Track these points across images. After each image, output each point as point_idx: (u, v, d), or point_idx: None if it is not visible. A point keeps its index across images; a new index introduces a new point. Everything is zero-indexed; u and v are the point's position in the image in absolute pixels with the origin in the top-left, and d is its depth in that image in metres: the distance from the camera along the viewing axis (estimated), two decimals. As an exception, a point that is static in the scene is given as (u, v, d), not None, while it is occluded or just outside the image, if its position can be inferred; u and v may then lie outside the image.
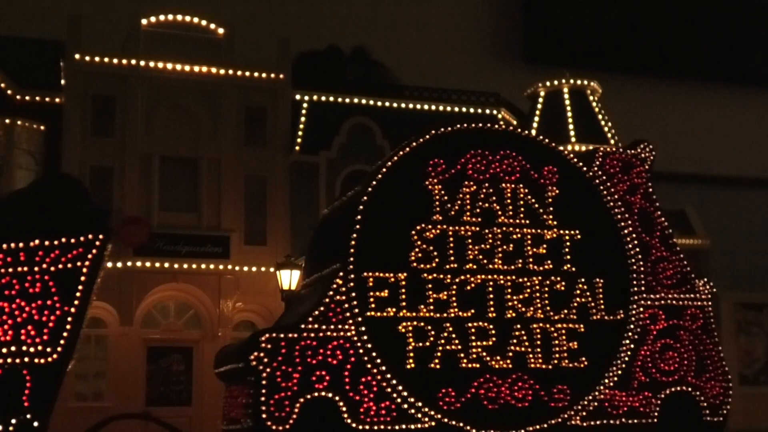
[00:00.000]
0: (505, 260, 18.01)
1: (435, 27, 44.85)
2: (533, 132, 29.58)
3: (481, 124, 19.16)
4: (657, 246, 19.07)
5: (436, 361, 17.11)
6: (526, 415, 17.32)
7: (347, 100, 28.76)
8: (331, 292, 16.80)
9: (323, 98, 28.54)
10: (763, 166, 44.91)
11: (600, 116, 29.87)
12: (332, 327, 16.57)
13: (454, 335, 17.30)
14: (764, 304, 38.66)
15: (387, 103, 29.04)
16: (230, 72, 26.89)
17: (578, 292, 18.29)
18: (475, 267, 17.80)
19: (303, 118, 27.97)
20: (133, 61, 26.10)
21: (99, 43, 26.71)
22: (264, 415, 15.88)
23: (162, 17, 26.73)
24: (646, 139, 19.68)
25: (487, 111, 29.86)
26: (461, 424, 16.88)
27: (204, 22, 27.08)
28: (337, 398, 16.32)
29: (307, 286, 19.72)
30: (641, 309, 18.50)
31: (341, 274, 16.91)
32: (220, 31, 27.22)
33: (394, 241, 17.41)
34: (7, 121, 25.22)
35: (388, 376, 16.63)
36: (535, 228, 18.34)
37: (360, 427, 16.36)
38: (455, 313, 17.45)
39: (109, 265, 24.83)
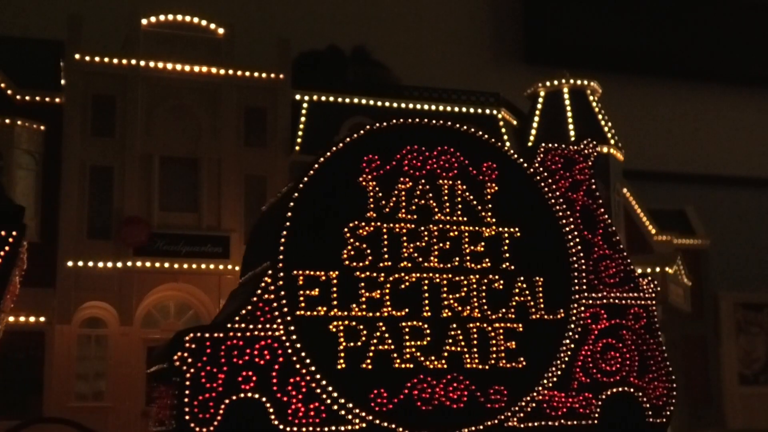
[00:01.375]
0: (441, 258, 17.54)
1: (435, 27, 44.83)
2: (533, 132, 29.64)
3: (417, 119, 18.33)
4: (600, 244, 18.63)
5: (369, 361, 16.59)
6: (461, 416, 16.85)
7: (347, 100, 28.71)
8: (259, 291, 16.29)
9: (323, 98, 28.49)
10: (763, 166, 44.90)
11: (600, 116, 29.88)
12: (260, 326, 16.05)
13: (387, 335, 16.80)
14: (764, 304, 38.75)
15: (387, 103, 28.97)
16: (230, 72, 26.88)
17: (517, 290, 17.81)
18: (410, 265, 17.32)
19: (303, 118, 27.95)
20: (133, 61, 26.10)
21: (99, 43, 26.68)
22: (187, 417, 15.36)
23: (162, 17, 26.72)
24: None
25: (487, 111, 29.82)
26: (393, 426, 16.38)
27: (204, 22, 27.06)
28: (264, 399, 15.81)
29: (242, 285, 19.23)
30: (582, 308, 18.05)
31: (270, 272, 16.41)
32: (220, 31, 27.21)
33: (326, 238, 16.92)
34: (7, 121, 25.19)
35: (318, 376, 16.11)
36: (473, 225, 17.87)
37: (288, 428, 15.84)
38: (389, 312, 16.93)
39: (109, 265, 25.11)
